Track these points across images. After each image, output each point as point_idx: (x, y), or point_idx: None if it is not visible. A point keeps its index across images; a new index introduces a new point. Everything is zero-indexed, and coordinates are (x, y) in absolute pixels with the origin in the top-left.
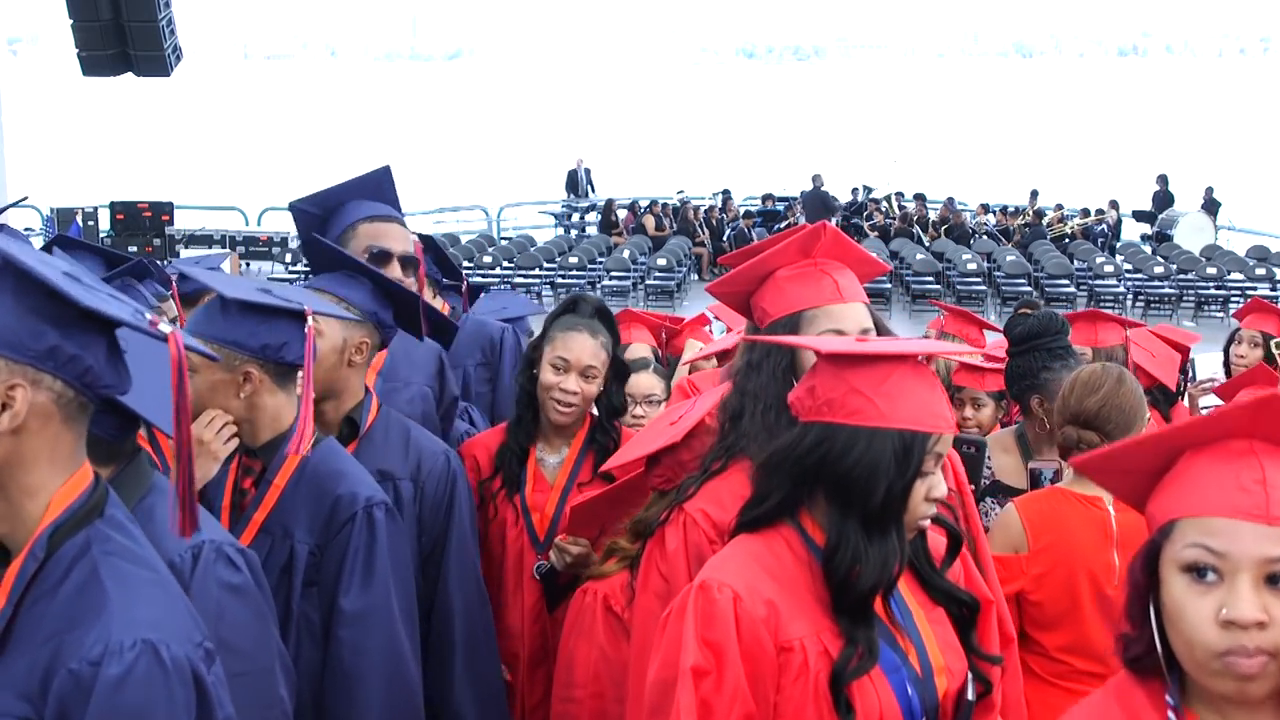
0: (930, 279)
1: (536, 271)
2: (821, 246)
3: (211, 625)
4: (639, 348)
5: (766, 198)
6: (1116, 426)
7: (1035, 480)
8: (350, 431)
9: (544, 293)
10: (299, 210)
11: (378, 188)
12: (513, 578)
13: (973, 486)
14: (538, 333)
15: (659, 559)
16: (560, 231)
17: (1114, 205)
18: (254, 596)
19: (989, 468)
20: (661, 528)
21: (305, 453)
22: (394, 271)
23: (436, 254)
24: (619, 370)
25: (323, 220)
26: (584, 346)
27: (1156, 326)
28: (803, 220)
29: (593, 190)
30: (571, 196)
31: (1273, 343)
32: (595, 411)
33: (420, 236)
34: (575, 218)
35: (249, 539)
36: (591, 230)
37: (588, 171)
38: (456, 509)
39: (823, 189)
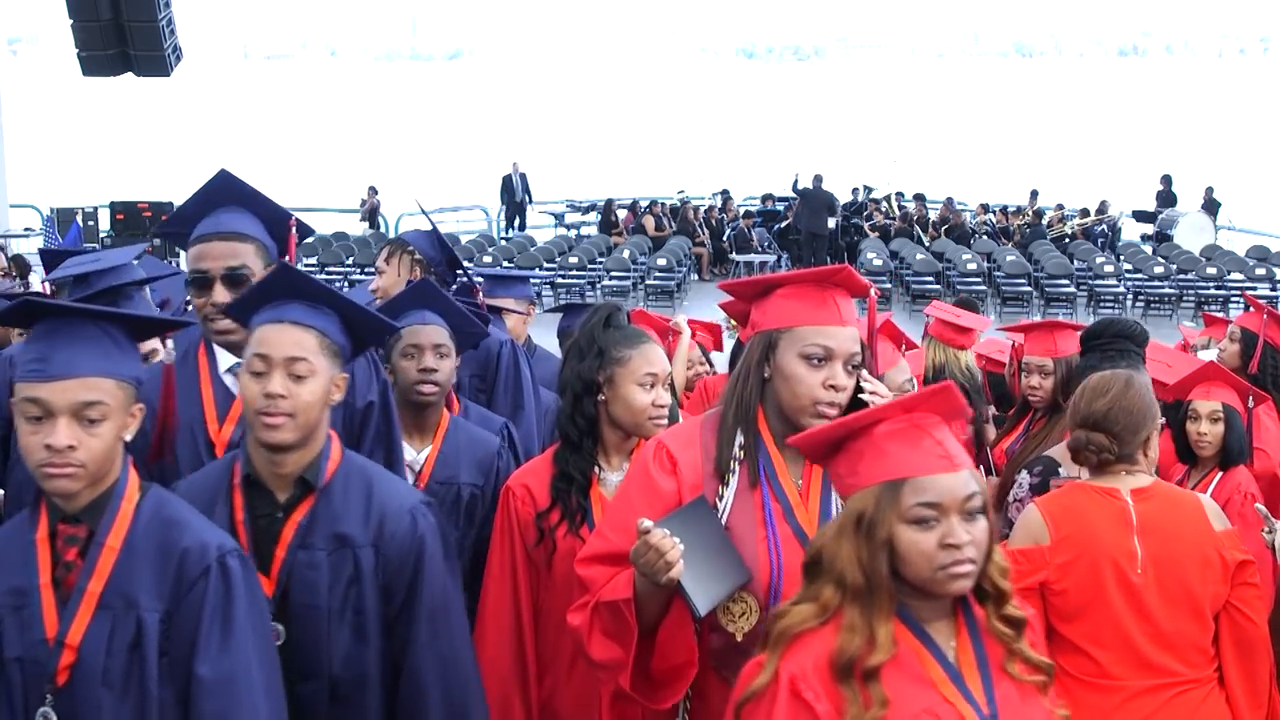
0: (930, 279)
1: (536, 271)
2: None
3: None
4: None
5: (766, 198)
6: (1124, 428)
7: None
8: (303, 490)
9: (544, 293)
10: (165, 236)
11: (223, 193)
12: None
13: None
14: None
15: None
16: (509, 234)
17: (1105, 206)
18: None
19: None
20: None
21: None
22: (218, 294)
23: (442, 247)
24: None
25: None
26: (661, 356)
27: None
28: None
29: (529, 197)
30: (569, 209)
31: None
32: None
33: (424, 233)
34: (573, 217)
35: (86, 619)
36: (592, 231)
37: (523, 177)
38: (424, 575)
39: (823, 188)
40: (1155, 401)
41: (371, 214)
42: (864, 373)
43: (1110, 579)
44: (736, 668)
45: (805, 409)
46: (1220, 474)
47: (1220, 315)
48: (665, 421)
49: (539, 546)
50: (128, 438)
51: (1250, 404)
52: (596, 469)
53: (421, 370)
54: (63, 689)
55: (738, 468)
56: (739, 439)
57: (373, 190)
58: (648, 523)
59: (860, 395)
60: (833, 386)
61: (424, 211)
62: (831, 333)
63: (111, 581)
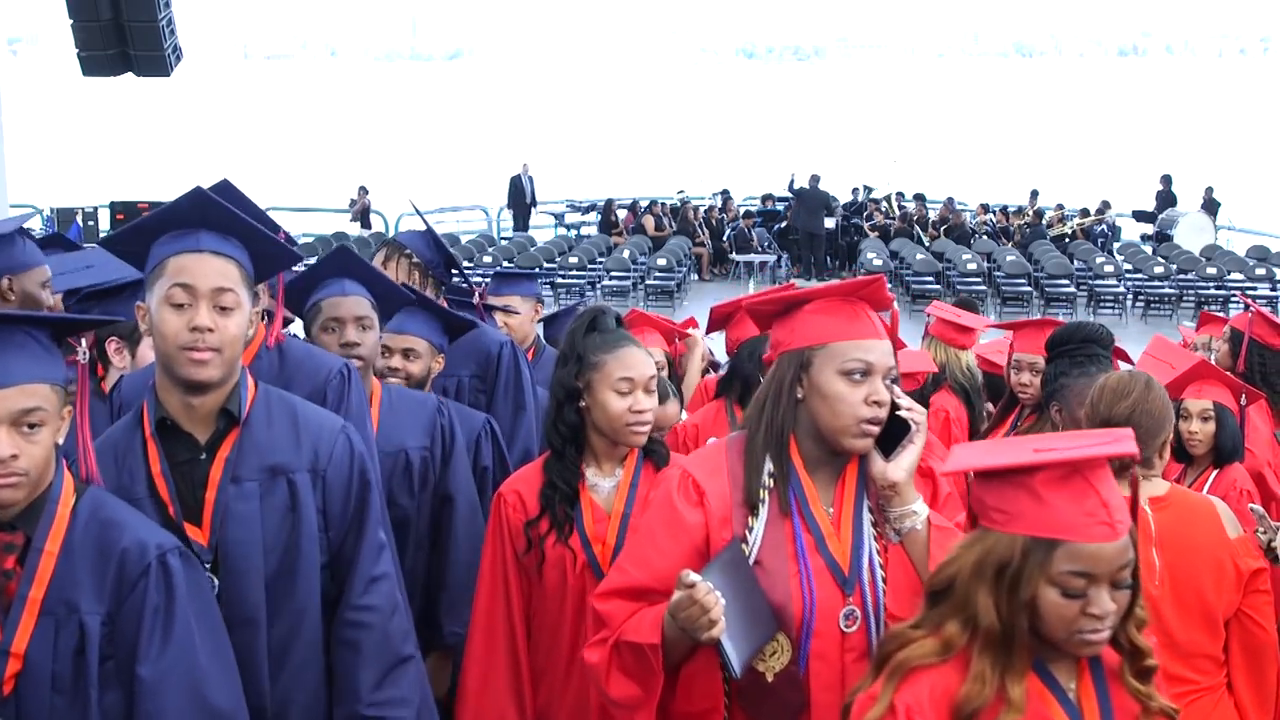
0: (930, 279)
1: (536, 271)
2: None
3: None
4: (654, 351)
5: (766, 198)
6: (1147, 431)
7: None
8: (225, 424)
9: (544, 293)
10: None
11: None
12: (572, 617)
13: None
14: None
15: None
16: (511, 235)
17: (1105, 206)
18: None
19: None
20: None
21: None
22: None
23: (438, 248)
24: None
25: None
26: (640, 360)
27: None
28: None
29: (534, 200)
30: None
31: None
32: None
33: (420, 234)
34: (573, 217)
35: (30, 626)
36: (592, 231)
37: (531, 180)
38: (370, 497)
39: (819, 188)
40: (1170, 403)
41: (363, 214)
42: (896, 388)
43: None
44: (764, 708)
45: (848, 429)
46: (1215, 472)
47: (1220, 315)
48: (646, 428)
49: (529, 554)
50: (60, 441)
51: (1243, 402)
52: (585, 476)
53: (344, 345)
54: (9, 698)
55: (768, 496)
56: (768, 465)
57: (363, 190)
58: (694, 576)
59: (896, 412)
60: (876, 402)
61: (418, 212)
62: (870, 346)
63: (52, 587)
